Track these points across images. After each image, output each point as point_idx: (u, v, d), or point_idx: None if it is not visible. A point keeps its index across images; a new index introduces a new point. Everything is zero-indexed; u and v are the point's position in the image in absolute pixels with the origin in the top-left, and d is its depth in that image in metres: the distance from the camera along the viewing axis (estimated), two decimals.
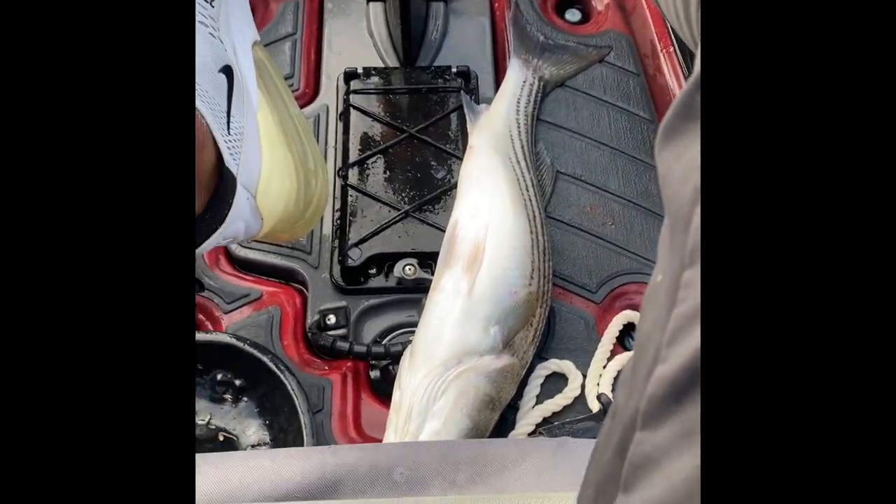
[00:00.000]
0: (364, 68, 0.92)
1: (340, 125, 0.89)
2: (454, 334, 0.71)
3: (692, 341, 0.25)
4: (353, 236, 0.81)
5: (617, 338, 0.78)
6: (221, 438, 0.72)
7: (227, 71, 0.51)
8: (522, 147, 0.86)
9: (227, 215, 0.50)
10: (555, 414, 0.74)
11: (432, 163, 0.86)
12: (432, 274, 0.77)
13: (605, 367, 0.76)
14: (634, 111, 0.93)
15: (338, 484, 0.53)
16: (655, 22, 0.96)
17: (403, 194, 0.84)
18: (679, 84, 0.92)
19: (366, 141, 0.87)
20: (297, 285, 0.82)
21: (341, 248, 0.81)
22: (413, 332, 0.74)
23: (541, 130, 0.91)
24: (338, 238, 0.82)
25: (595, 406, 0.74)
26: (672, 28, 0.92)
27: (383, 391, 0.75)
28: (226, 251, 0.83)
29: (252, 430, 0.72)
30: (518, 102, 0.89)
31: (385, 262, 0.80)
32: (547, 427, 0.71)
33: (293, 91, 0.92)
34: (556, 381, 0.76)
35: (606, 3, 1.02)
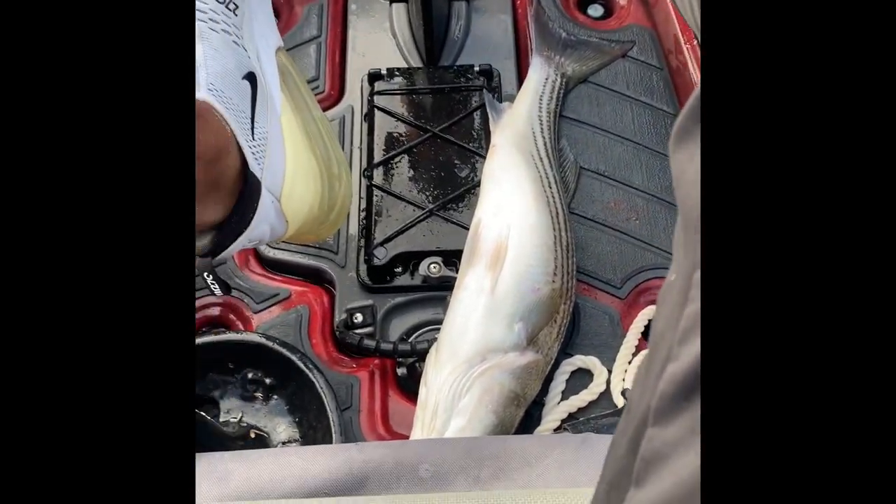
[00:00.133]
0: (388, 69, 0.93)
1: (365, 126, 0.90)
2: (478, 332, 0.71)
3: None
4: (379, 236, 0.82)
5: (642, 333, 0.78)
6: (253, 436, 0.73)
7: (251, 77, 0.52)
8: (545, 144, 0.86)
9: (252, 219, 0.51)
10: (580, 410, 0.74)
11: (456, 162, 0.87)
12: (457, 272, 0.77)
13: (630, 362, 0.76)
14: (658, 106, 0.93)
15: (364, 480, 0.54)
16: (678, 16, 0.96)
17: (427, 193, 0.85)
18: None
19: (390, 141, 0.88)
20: (324, 285, 0.83)
21: (367, 248, 0.82)
22: (438, 329, 0.74)
23: (564, 127, 0.91)
24: (364, 237, 0.83)
25: (620, 402, 0.74)
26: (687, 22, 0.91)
27: (410, 388, 0.76)
28: (255, 252, 0.85)
29: (282, 427, 0.73)
30: (540, 100, 0.89)
31: (410, 260, 0.81)
32: (571, 423, 0.72)
33: (318, 94, 0.93)
34: (581, 377, 0.76)
35: None
